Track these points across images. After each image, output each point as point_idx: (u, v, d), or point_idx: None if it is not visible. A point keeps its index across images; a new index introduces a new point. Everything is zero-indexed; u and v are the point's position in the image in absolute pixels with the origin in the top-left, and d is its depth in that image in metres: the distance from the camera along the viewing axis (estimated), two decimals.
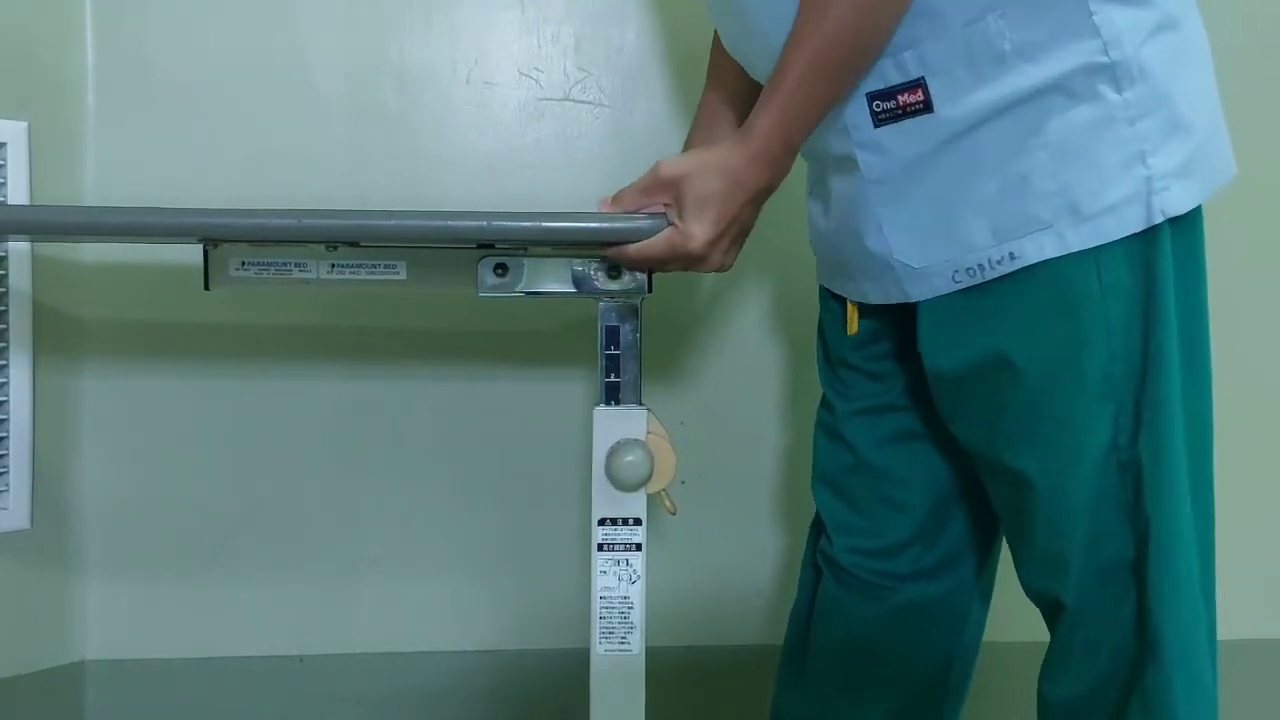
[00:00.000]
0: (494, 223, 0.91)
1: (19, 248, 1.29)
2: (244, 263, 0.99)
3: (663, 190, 0.89)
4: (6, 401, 1.29)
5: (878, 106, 0.86)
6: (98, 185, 1.36)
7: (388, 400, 1.43)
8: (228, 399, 1.41)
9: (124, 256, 1.36)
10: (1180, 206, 0.82)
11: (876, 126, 0.86)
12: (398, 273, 1.00)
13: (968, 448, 0.93)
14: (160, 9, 1.36)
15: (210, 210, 0.94)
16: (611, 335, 0.99)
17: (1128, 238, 0.81)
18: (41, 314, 1.33)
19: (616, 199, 0.93)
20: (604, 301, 0.99)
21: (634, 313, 0.99)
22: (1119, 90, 0.81)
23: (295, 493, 1.42)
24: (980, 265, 0.84)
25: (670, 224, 0.89)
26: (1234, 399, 1.48)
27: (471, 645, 1.46)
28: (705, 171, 0.87)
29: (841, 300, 1.03)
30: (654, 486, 0.99)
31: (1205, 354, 0.88)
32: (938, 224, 0.86)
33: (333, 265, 1.00)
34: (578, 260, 0.98)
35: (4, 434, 1.29)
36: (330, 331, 1.41)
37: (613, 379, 0.99)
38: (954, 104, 0.83)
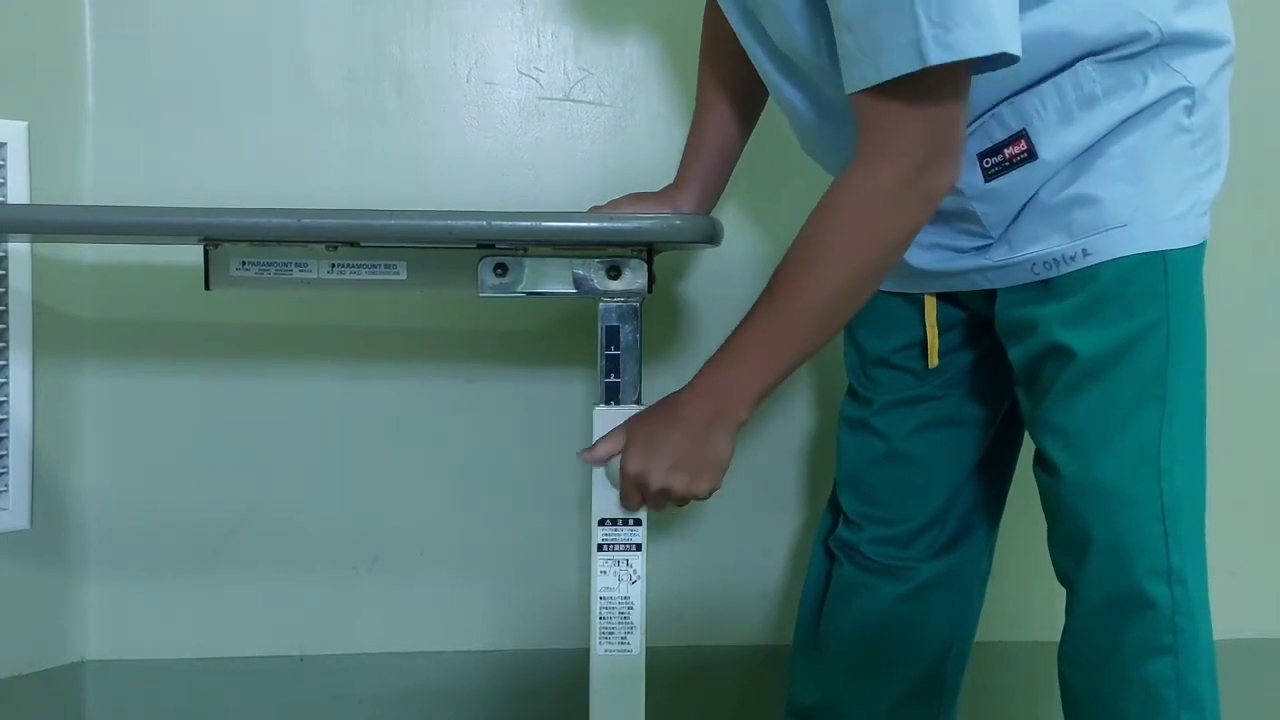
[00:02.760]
0: (494, 223, 0.91)
1: (19, 248, 1.29)
2: (244, 263, 0.99)
3: (617, 433, 0.95)
4: (6, 401, 1.29)
5: (987, 164, 0.90)
6: (97, 185, 1.36)
7: (388, 400, 1.42)
8: (228, 399, 1.40)
9: (124, 257, 1.36)
10: (1207, 234, 0.89)
11: (987, 181, 0.90)
12: (398, 273, 1.00)
13: (1024, 415, 0.97)
14: (160, 9, 1.36)
15: (210, 210, 0.94)
16: (612, 335, 0.99)
17: (1189, 247, 0.87)
18: (41, 314, 1.33)
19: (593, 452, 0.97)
20: (604, 302, 0.99)
21: (634, 313, 0.99)
22: (1190, 114, 0.87)
23: (295, 493, 1.42)
24: (1056, 260, 0.89)
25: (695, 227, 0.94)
26: (1234, 400, 1.48)
27: (471, 645, 1.46)
28: (648, 412, 0.95)
29: (889, 306, 1.05)
30: None
31: (1204, 367, 0.93)
32: (1024, 225, 0.90)
33: (333, 265, 1.00)
34: (578, 260, 0.98)
35: (4, 434, 1.29)
36: (330, 331, 1.41)
37: (613, 379, 0.99)
38: (1054, 148, 0.87)
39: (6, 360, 1.29)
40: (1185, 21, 0.86)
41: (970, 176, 0.90)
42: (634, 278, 0.98)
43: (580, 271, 0.99)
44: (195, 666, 1.42)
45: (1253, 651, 1.52)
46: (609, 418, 0.98)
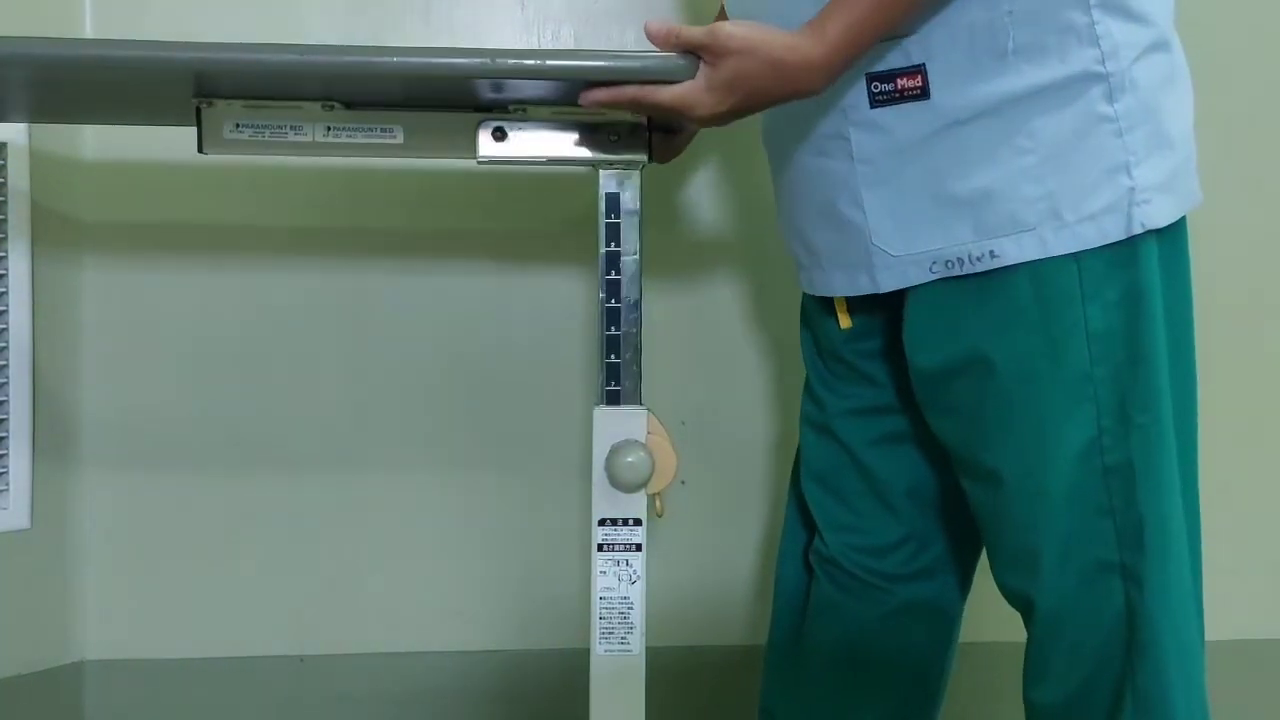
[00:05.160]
0: (498, 60, 0.87)
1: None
2: (238, 124, 0.97)
3: (709, 51, 0.83)
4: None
5: (876, 88, 0.86)
6: (97, 186, 1.36)
7: (389, 401, 1.43)
8: (229, 397, 1.41)
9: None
10: (1160, 219, 0.84)
11: (873, 107, 0.87)
12: (394, 136, 0.98)
13: (944, 443, 0.94)
14: (160, 9, 1.36)
15: (207, 45, 0.88)
16: (612, 203, 0.97)
17: (1114, 244, 0.83)
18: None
19: (669, 32, 0.85)
20: (604, 170, 0.98)
21: (633, 181, 0.97)
22: (1110, 101, 0.82)
23: (295, 493, 1.42)
24: (960, 259, 0.85)
25: (688, 78, 0.85)
26: (1233, 400, 1.48)
27: (471, 645, 1.46)
28: (757, 57, 0.82)
29: (823, 302, 1.03)
30: (655, 487, 0.98)
31: (1190, 360, 0.89)
32: (921, 213, 0.86)
33: (328, 128, 0.97)
34: (576, 126, 0.97)
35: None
36: (328, 328, 1.41)
37: (612, 247, 0.97)
38: (950, 94, 0.84)
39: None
40: None
41: (855, 96, 0.87)
42: (633, 143, 0.96)
43: (580, 137, 0.97)
44: (195, 666, 1.42)
45: (1253, 651, 1.52)
46: (609, 418, 0.98)
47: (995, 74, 0.82)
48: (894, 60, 0.85)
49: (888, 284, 0.89)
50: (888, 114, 0.86)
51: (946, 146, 0.85)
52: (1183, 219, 0.87)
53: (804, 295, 1.07)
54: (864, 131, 0.88)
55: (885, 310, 0.95)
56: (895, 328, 0.95)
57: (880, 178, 0.88)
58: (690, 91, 0.85)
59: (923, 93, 0.84)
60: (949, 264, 0.85)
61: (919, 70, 0.84)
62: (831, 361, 1.05)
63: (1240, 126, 1.46)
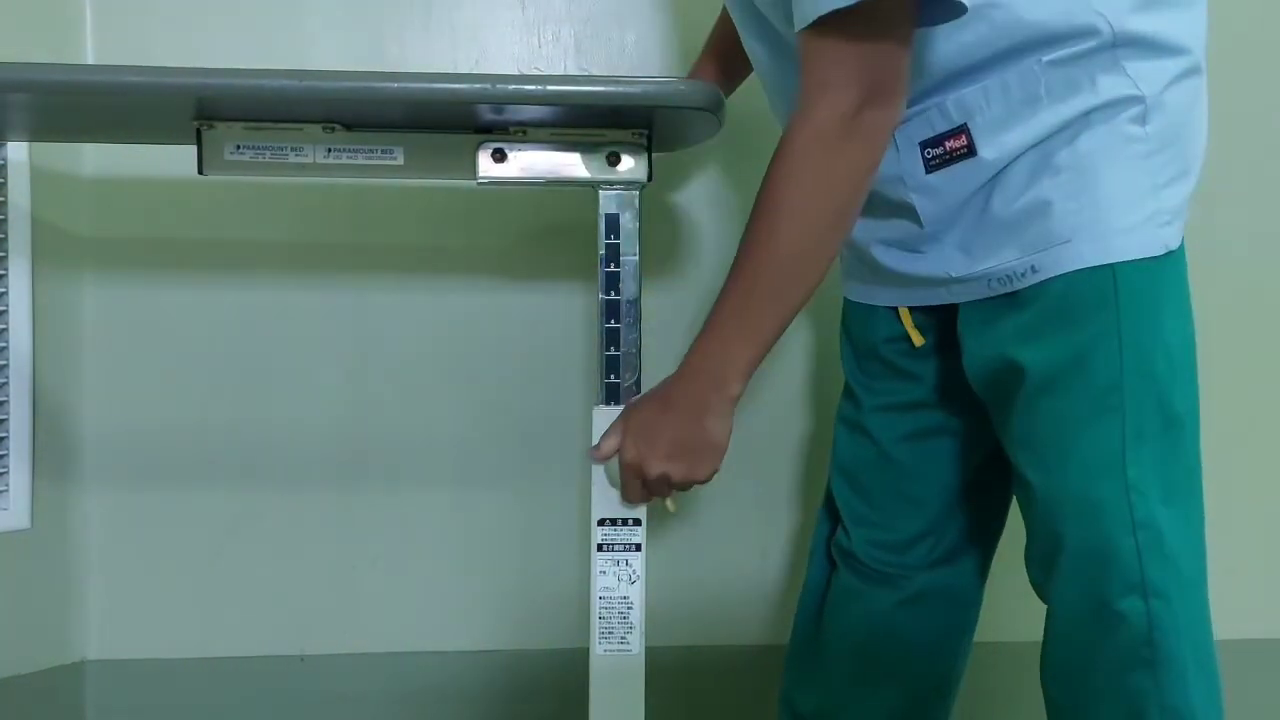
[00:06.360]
0: (498, 85, 0.88)
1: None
2: (239, 146, 0.97)
3: (616, 427, 0.95)
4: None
5: (929, 154, 0.90)
6: (98, 201, 1.36)
7: (389, 402, 1.43)
8: (230, 403, 1.41)
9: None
10: (1174, 243, 0.87)
11: (928, 172, 0.90)
12: (395, 158, 0.99)
13: (999, 439, 0.96)
14: (161, 9, 1.36)
15: (208, 70, 0.89)
16: (611, 224, 0.98)
17: (1146, 259, 0.85)
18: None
19: (599, 450, 0.97)
20: (604, 190, 0.98)
21: (633, 202, 0.98)
22: (1143, 123, 0.85)
23: (296, 493, 1.42)
24: (1009, 275, 0.88)
25: (698, 104, 0.91)
26: (1235, 398, 1.48)
27: (471, 645, 1.46)
28: (643, 401, 0.95)
29: (871, 307, 1.05)
30: None
31: (1194, 368, 0.92)
32: (979, 242, 0.90)
33: (329, 150, 0.98)
34: (576, 146, 0.97)
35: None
36: (328, 336, 1.42)
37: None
38: (994, 147, 0.87)
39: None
40: (1140, 23, 0.84)
41: (912, 165, 0.90)
42: (633, 164, 0.97)
43: (578, 157, 0.97)
44: (195, 666, 1.42)
45: (1253, 651, 1.52)
46: (609, 418, 0.98)
47: (1030, 117, 0.85)
48: (938, 124, 0.89)
49: (964, 296, 0.93)
50: (943, 176, 0.90)
51: (995, 185, 0.88)
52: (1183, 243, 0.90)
53: (845, 304, 1.10)
54: (924, 196, 0.91)
55: (938, 312, 0.99)
56: (943, 328, 0.98)
57: (945, 226, 0.92)
58: (624, 460, 0.94)
59: (969, 150, 0.88)
60: (1001, 281, 0.89)
61: (963, 130, 0.87)
62: (867, 361, 1.07)
63: (1240, 126, 1.46)
